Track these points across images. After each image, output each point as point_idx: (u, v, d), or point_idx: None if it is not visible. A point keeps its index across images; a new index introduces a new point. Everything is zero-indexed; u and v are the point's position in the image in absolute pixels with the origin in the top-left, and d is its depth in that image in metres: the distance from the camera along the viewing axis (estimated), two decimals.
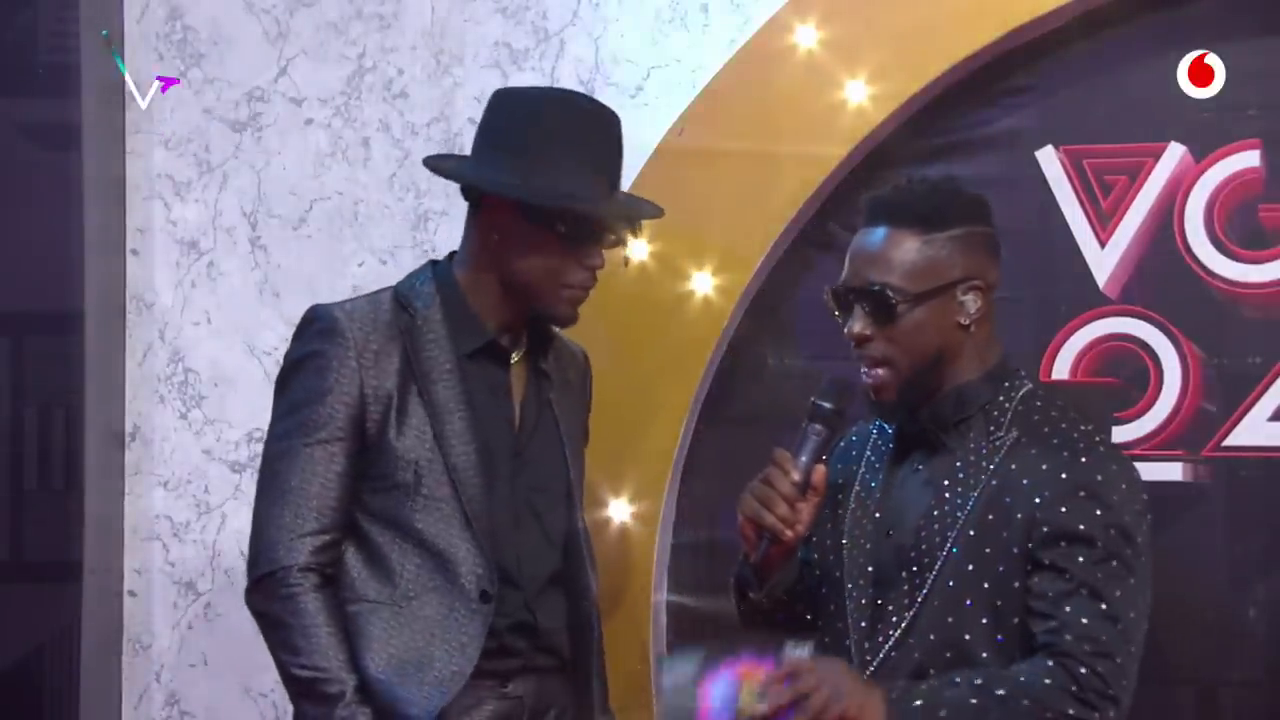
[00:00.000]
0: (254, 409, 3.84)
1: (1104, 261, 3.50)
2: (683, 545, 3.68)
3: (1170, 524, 3.47)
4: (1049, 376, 3.50)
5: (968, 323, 2.69)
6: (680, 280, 3.64)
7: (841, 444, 2.91)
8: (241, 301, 3.95)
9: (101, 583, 3.94)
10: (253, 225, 3.95)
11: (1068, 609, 2.56)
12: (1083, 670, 2.54)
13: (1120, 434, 3.46)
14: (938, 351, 2.69)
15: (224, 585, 3.92)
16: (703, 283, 3.63)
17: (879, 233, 2.72)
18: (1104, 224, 3.50)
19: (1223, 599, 3.45)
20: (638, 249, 3.64)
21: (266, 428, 3.00)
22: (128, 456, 3.98)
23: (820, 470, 2.71)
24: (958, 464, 2.69)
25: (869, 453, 2.84)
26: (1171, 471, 3.44)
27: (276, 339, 3.85)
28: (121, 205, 3.99)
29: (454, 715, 2.85)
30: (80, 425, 3.96)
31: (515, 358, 3.02)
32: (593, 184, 2.90)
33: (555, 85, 3.73)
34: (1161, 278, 3.48)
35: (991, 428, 2.69)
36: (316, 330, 2.94)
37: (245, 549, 2.99)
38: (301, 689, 2.85)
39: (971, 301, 2.69)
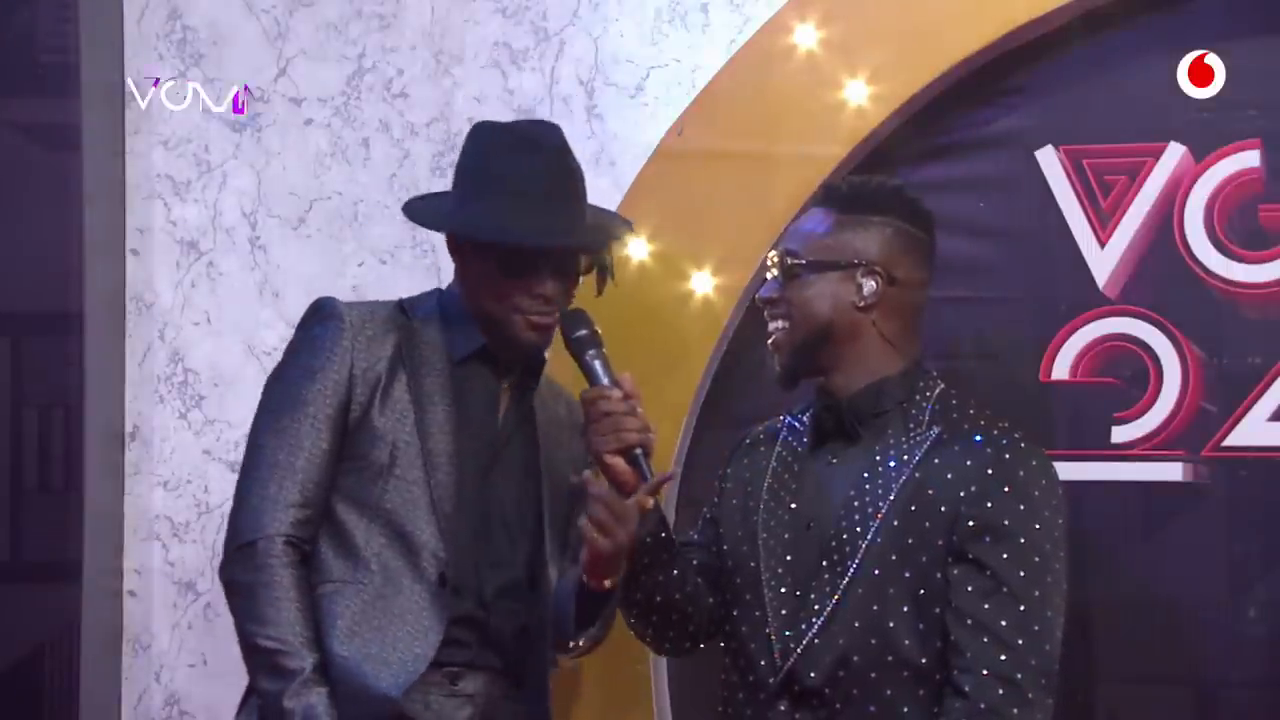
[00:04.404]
0: (254, 409, 3.83)
1: (1104, 261, 3.50)
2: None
3: (1170, 524, 3.47)
4: (1049, 377, 3.50)
5: (862, 305, 2.79)
6: (680, 280, 3.64)
7: (748, 440, 2.99)
8: (241, 301, 3.95)
9: (101, 583, 3.94)
10: (253, 225, 3.95)
11: (986, 606, 2.63)
12: (982, 707, 2.61)
13: (1120, 434, 3.47)
14: (829, 325, 2.79)
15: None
16: (703, 283, 3.63)
17: (808, 212, 2.93)
18: (1104, 224, 3.50)
19: (1223, 599, 3.44)
20: (638, 249, 3.64)
21: None
22: (128, 456, 3.98)
23: (627, 377, 2.85)
24: (876, 457, 2.76)
25: (779, 448, 2.91)
26: (1171, 471, 3.44)
27: (276, 339, 3.84)
28: (121, 205, 3.99)
29: (404, 709, 2.88)
30: (80, 425, 3.96)
31: (505, 385, 3.06)
32: (527, 213, 2.92)
33: (555, 85, 3.74)
34: (1161, 278, 3.48)
35: (910, 424, 2.77)
36: (317, 318, 3.03)
37: None
38: (260, 660, 2.88)
39: (867, 285, 2.79)
